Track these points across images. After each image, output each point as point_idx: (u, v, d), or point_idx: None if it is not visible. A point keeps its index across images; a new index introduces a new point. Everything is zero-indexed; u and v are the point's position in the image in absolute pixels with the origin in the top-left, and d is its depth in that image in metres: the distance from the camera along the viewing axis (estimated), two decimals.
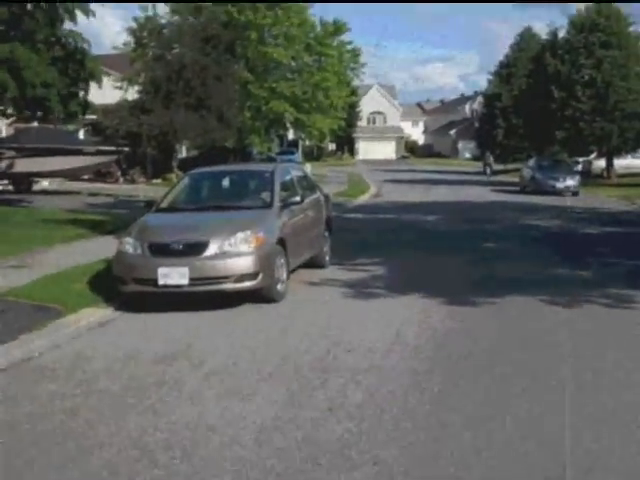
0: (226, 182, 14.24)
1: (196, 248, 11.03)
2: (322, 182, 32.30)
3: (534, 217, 25.37)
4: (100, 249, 15.28)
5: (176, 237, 11.25)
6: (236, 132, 45.21)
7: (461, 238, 19.65)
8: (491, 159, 63.80)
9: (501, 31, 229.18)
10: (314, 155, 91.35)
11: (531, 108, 50.96)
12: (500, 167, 65.54)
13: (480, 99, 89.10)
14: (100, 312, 10.97)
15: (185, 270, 10.82)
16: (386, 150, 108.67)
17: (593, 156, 52.12)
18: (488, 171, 62.55)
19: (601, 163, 51.28)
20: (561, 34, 51.44)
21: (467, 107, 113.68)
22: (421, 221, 24.12)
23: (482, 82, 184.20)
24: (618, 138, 46.85)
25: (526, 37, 68.34)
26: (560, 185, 37.86)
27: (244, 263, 11.10)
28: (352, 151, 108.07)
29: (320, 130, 54.69)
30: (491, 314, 10.68)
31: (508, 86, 65.32)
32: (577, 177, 39.18)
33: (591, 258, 15.96)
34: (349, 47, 56.22)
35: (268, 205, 12.59)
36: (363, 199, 34.58)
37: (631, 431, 6.32)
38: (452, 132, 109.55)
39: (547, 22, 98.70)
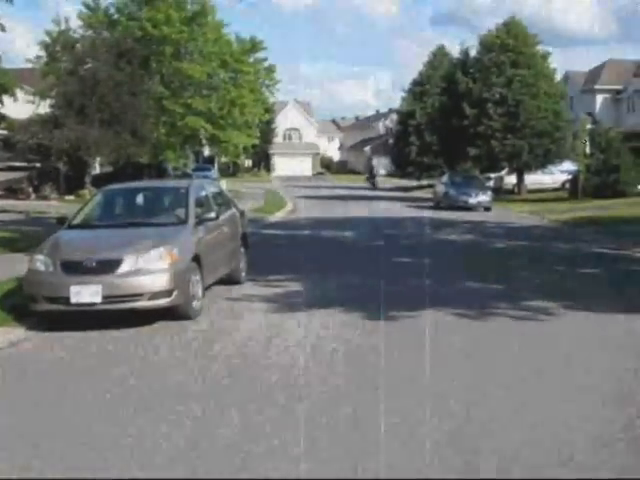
0: (140, 198, 14.10)
1: (109, 265, 10.85)
2: (238, 198, 32.16)
3: (448, 232, 25.71)
4: (11, 267, 14.91)
5: (89, 254, 11.05)
6: (151, 148, 44.78)
7: (377, 253, 19.76)
8: (375, 171, 64.05)
9: (415, 49, 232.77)
10: (230, 171, 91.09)
11: (444, 125, 51.78)
12: (414, 183, 66.36)
13: (394, 116, 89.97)
14: (11, 332, 10.70)
15: (98, 288, 10.64)
16: (302, 166, 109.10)
17: (504, 172, 53.17)
18: (375, 183, 62.82)
19: (512, 179, 52.35)
20: (472, 53, 52.51)
21: (381, 124, 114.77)
22: (338, 237, 24.22)
23: (396, 99, 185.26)
24: (528, 155, 47.91)
25: (439, 55, 69.45)
26: (473, 200, 38.52)
27: (158, 280, 10.98)
28: (268, 167, 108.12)
29: (236, 146, 54.58)
30: (407, 329, 10.73)
31: (422, 103, 66.12)
32: (489, 192, 39.91)
33: (503, 271, 16.26)
34: (265, 64, 56.32)
35: (183, 221, 12.49)
36: (280, 215, 34.59)
37: None
38: (367, 149, 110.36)
39: (459, 41, 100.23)
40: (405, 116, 70.40)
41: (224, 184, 40.03)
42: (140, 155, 43.61)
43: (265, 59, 56.20)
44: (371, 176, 66.97)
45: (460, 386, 8.00)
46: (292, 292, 13.74)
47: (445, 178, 43.06)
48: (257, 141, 60.85)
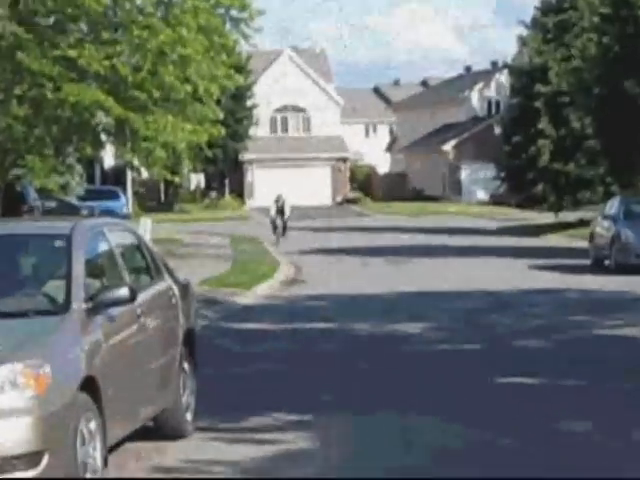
0: None
1: None
2: (177, 257, 32.37)
3: (621, 322, 25.66)
4: None
5: None
6: None
7: (472, 369, 19.77)
8: (282, 202, 62.12)
9: None
10: (160, 200, 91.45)
11: (610, 98, 51.84)
12: (549, 219, 66.39)
13: (502, 78, 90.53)
14: None
15: None
16: (311, 187, 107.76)
17: None
18: (284, 227, 61.15)
19: None
20: None
21: (476, 95, 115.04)
22: (389, 336, 24.22)
23: (505, 43, 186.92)
24: None
25: None
26: None
27: (11, 433, 10.96)
28: (241, 190, 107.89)
29: (171, 148, 54.46)
30: None
31: (561, 50, 66.42)
32: None
33: None
34: None
35: (60, 307, 12.47)
36: (265, 290, 34.63)
37: None
38: (447, 147, 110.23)
39: None
40: (527, 78, 70.69)
41: (147, 227, 40.27)
42: None
43: None
44: (278, 211, 64.18)
45: None
46: (295, 456, 13.66)
47: (613, 208, 42.95)
48: (220, 130, 60.37)
